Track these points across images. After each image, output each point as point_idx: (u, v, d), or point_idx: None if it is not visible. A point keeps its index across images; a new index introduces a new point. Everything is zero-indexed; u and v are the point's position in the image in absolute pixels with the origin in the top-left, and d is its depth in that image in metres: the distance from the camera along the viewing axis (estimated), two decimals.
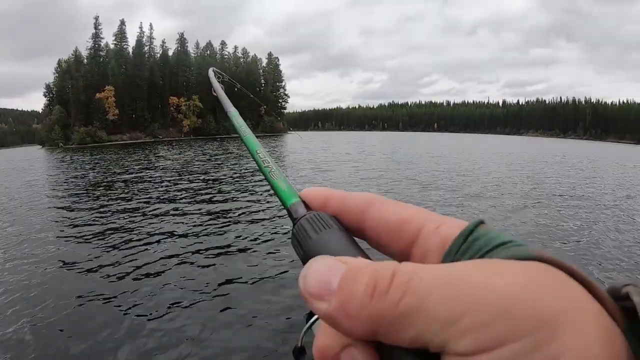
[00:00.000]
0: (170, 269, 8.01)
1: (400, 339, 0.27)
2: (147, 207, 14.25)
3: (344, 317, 0.28)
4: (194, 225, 11.42)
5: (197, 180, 20.97)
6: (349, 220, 0.39)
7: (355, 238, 0.39)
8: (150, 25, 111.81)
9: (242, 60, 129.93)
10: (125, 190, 18.30)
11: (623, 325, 0.25)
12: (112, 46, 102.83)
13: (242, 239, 10.02)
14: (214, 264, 8.24)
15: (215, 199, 15.80)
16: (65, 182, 22.02)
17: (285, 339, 5.42)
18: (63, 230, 11.36)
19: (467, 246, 0.33)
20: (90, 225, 11.76)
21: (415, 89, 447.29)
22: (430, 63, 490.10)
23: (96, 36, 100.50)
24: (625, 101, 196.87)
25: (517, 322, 0.24)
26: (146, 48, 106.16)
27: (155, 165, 30.47)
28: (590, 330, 0.24)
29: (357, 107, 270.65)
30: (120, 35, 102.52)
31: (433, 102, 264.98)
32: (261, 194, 16.19)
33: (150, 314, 6.08)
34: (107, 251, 9.11)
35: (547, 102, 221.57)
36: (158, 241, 9.87)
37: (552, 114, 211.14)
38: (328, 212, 0.41)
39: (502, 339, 0.24)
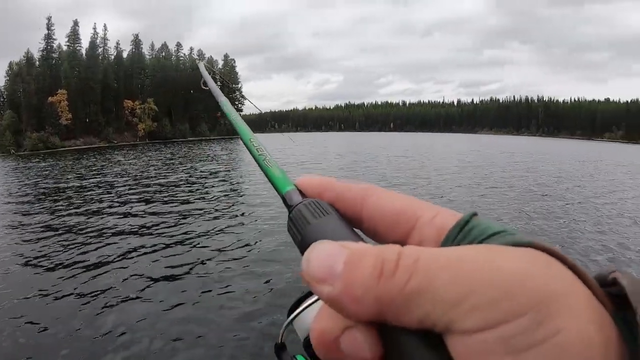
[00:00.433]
0: (127, 267, 8.33)
1: (406, 320, 0.27)
2: (101, 214, 14.18)
3: (350, 299, 0.28)
4: (151, 231, 11.41)
5: (154, 185, 20.98)
6: (346, 209, 0.40)
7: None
8: (105, 26, 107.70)
9: (198, 62, 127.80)
10: (78, 198, 17.99)
11: (611, 310, 0.27)
12: (64, 48, 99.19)
13: (199, 238, 10.29)
14: (171, 269, 8.35)
15: (170, 202, 15.85)
16: (18, 191, 21.23)
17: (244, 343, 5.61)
18: (15, 239, 11.23)
19: (463, 235, 0.34)
20: (43, 233, 11.61)
21: (371, 90, 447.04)
22: (386, 64, 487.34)
23: (48, 37, 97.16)
24: (576, 99, 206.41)
25: (518, 301, 0.25)
26: (100, 50, 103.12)
27: (110, 171, 29.93)
28: (583, 311, 0.25)
29: (313, 108, 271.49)
30: (74, 36, 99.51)
31: (389, 102, 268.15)
32: (218, 196, 16.63)
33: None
34: (60, 261, 9.11)
35: (501, 101, 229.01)
36: (113, 248, 9.89)
37: (506, 112, 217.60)
38: (324, 200, 0.41)
39: (505, 316, 0.25)
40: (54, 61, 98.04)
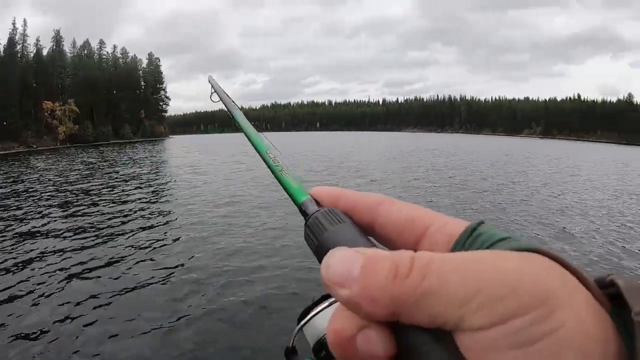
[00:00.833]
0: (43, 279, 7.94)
1: (419, 319, 0.29)
2: (19, 224, 13.04)
3: (367, 300, 0.30)
4: (70, 239, 10.98)
5: (74, 192, 19.87)
6: (360, 217, 0.42)
7: None
8: (24, 21, 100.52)
9: (121, 60, 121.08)
10: None
11: (609, 309, 0.29)
12: None
13: (125, 248, 10.03)
14: (89, 277, 8.13)
15: (91, 209, 15.24)
16: None
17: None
18: None
19: (471, 241, 0.36)
20: None
21: (297, 89, 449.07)
22: (312, 64, 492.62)
23: None
24: (497, 98, 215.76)
25: (523, 298, 0.27)
26: (19, 47, 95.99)
27: (29, 178, 26.70)
28: (583, 309, 0.28)
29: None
30: None
31: (315, 101, 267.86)
32: (140, 200, 16.35)
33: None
34: None
35: (425, 100, 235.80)
36: (30, 259, 9.32)
37: (430, 110, 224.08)
38: (339, 209, 0.43)
39: (511, 313, 0.27)
40: None
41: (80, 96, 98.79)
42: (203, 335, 5.92)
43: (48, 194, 19.32)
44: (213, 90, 0.87)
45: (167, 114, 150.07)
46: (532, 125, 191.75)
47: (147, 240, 10.51)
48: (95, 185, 21.81)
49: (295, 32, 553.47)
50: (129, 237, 10.99)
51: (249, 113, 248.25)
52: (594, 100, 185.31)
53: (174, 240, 10.48)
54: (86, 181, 23.74)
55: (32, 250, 9.91)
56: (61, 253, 9.62)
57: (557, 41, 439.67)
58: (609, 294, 0.30)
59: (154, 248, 9.87)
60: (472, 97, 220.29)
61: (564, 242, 10.56)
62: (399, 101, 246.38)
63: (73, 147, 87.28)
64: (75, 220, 13.18)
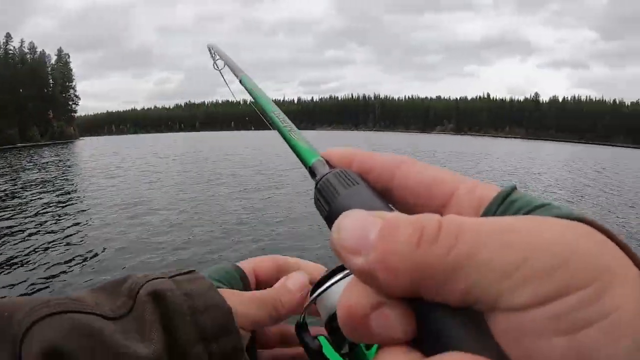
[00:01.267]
0: None
1: (447, 294, 0.24)
2: None
3: (384, 270, 0.25)
4: None
5: None
6: (376, 179, 0.37)
7: None
8: None
9: (29, 56, 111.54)
10: None
11: None
12: None
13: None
14: None
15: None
16: None
17: None
18: None
19: (505, 207, 0.31)
20: None
21: (212, 89, 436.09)
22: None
23: None
24: (410, 97, 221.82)
25: (577, 272, 0.22)
26: None
27: None
28: (638, 289, 0.23)
29: (152, 108, 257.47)
30: None
31: (230, 101, 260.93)
32: (46, 208, 15.09)
33: None
34: None
35: (339, 99, 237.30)
36: None
37: (344, 109, 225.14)
38: (353, 171, 0.38)
39: (561, 290, 0.22)
40: None
41: None
42: None
43: None
44: (217, 57, 0.84)
45: (77, 114, 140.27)
46: (444, 123, 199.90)
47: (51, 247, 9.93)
48: None
49: (212, 29, 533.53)
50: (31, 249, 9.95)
51: (163, 113, 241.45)
52: (502, 99, 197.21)
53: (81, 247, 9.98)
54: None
55: None
56: None
57: (469, 44, 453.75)
58: None
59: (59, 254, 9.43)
60: (386, 96, 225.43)
61: None
62: (314, 100, 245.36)
63: None
64: None
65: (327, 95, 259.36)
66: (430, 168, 0.36)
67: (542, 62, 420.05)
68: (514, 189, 0.32)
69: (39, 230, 11.66)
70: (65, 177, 24.49)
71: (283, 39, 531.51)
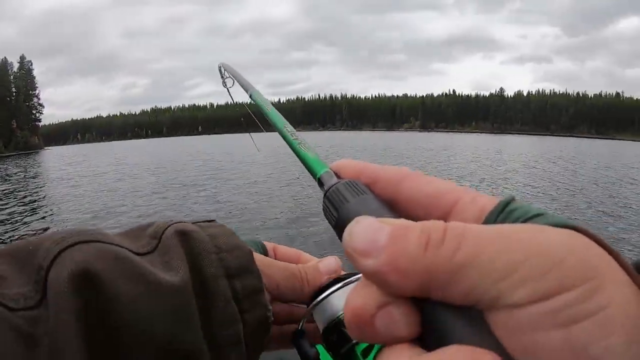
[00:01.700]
0: None
1: (451, 294, 0.26)
2: None
3: (394, 271, 0.27)
4: None
5: None
6: (382, 190, 0.39)
7: None
8: None
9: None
10: None
11: None
12: None
13: None
14: None
15: None
16: None
17: None
18: None
19: (504, 216, 0.33)
20: None
21: (178, 93, 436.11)
22: (194, 65, 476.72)
23: None
24: (376, 95, 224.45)
25: (570, 272, 0.24)
26: None
27: None
28: (627, 289, 0.25)
29: (118, 114, 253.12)
30: None
31: (196, 105, 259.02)
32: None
33: None
34: None
35: (306, 99, 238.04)
36: None
37: (311, 109, 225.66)
38: (361, 181, 0.40)
39: (557, 288, 0.24)
40: None
41: None
42: None
43: None
44: (227, 76, 0.87)
45: (41, 123, 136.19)
46: (411, 120, 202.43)
47: None
48: None
49: (177, 32, 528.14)
50: None
51: (129, 119, 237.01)
52: (468, 95, 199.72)
53: None
54: None
55: None
56: None
57: (434, 42, 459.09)
58: None
59: None
60: (353, 95, 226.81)
61: None
62: (281, 101, 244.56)
63: None
64: None
65: (294, 97, 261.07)
66: (434, 180, 0.38)
67: (506, 58, 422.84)
68: (512, 199, 0.34)
69: (2, 242, 11.35)
70: (29, 188, 23.79)
71: (249, 41, 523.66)
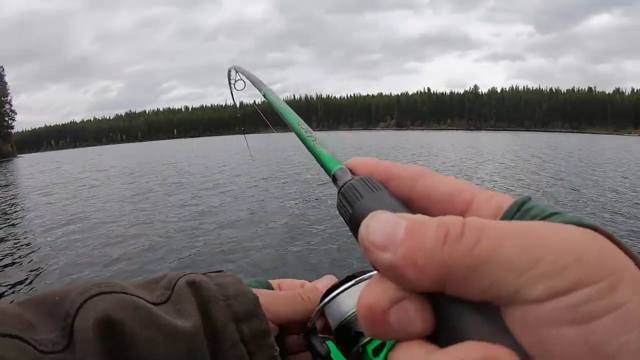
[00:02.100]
0: None
1: (470, 289, 0.26)
2: None
3: (411, 266, 0.27)
4: None
5: None
6: (397, 188, 0.38)
7: None
8: None
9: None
10: None
11: None
12: None
13: None
14: None
15: None
16: None
17: None
18: None
19: (521, 214, 0.33)
20: None
21: (154, 96, 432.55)
22: (169, 68, 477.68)
23: None
24: (352, 95, 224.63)
25: (590, 268, 0.24)
26: None
27: None
28: None
29: (92, 119, 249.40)
30: None
31: (172, 108, 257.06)
32: None
33: None
34: None
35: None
36: None
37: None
38: (376, 179, 0.40)
39: (576, 283, 0.24)
40: None
41: None
42: None
43: None
44: (238, 78, 0.87)
45: (14, 130, 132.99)
46: (387, 119, 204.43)
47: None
48: None
49: (151, 34, 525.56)
50: None
51: (103, 124, 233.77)
52: (443, 93, 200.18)
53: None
54: None
55: None
56: None
57: (409, 41, 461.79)
58: None
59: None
60: (329, 96, 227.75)
61: None
62: (256, 102, 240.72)
63: None
64: None
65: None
66: (449, 178, 0.38)
67: (480, 56, 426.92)
68: (529, 198, 0.34)
69: None
70: (1, 197, 22.81)
71: (224, 43, 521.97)
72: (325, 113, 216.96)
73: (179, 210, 14.21)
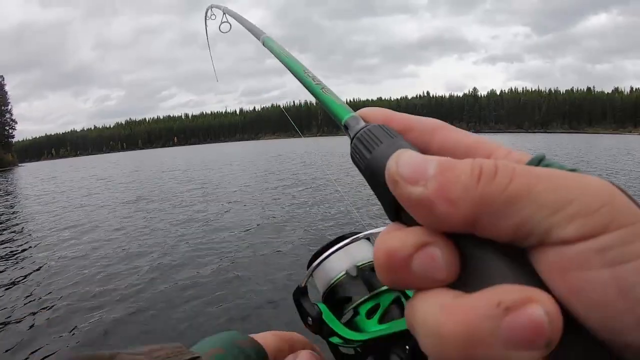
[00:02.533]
0: None
1: (501, 227, 0.25)
2: None
3: (444, 200, 0.25)
4: None
5: None
6: (415, 139, 0.36)
7: None
8: None
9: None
10: None
11: None
12: None
13: None
14: None
15: None
16: None
17: None
18: None
19: None
20: None
21: (153, 104, 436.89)
22: (168, 76, 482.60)
23: None
24: (351, 100, 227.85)
25: (618, 213, 0.24)
26: None
27: None
28: None
29: (93, 128, 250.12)
30: None
31: (171, 115, 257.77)
32: None
33: None
34: None
35: (282, 106, 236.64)
36: None
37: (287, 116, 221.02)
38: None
39: (606, 226, 0.23)
40: None
41: None
42: None
43: None
44: (224, 20, 0.81)
45: (15, 140, 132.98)
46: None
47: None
48: None
49: (150, 42, 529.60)
50: None
51: (104, 132, 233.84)
52: (442, 96, 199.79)
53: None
54: None
55: None
56: None
57: (407, 45, 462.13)
58: None
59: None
60: None
61: None
62: (257, 109, 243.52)
63: None
64: None
65: (269, 104, 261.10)
66: (467, 133, 0.37)
67: (479, 59, 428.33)
68: (544, 156, 0.33)
69: None
70: (3, 207, 22.12)
71: (222, 50, 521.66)
72: (325, 118, 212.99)
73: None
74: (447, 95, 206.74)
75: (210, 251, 9.26)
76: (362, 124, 0.37)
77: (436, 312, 0.25)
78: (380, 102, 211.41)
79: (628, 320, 0.23)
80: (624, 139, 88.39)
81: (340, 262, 0.59)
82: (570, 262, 0.24)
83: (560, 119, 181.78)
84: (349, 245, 0.55)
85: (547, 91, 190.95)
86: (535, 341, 0.22)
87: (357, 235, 0.56)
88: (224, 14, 0.85)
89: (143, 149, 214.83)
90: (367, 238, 0.78)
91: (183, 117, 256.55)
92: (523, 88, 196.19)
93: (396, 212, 0.29)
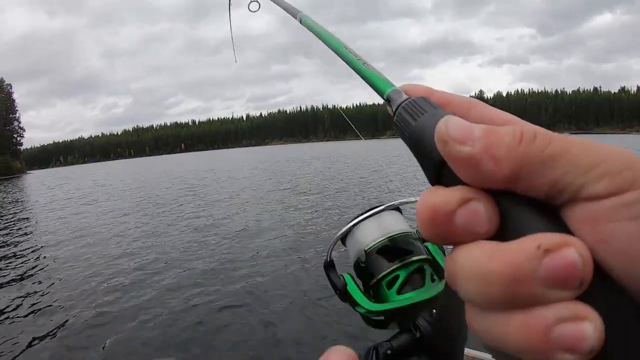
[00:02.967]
0: None
1: (539, 183, 0.28)
2: None
3: (490, 158, 0.28)
4: None
5: None
6: (453, 112, 0.36)
7: None
8: None
9: None
10: None
11: None
12: None
13: None
14: None
15: None
16: None
17: None
18: None
19: None
20: None
21: (161, 111, 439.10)
22: (175, 83, 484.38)
23: None
24: (358, 104, 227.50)
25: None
26: None
27: None
28: None
29: (100, 135, 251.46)
30: None
31: (179, 122, 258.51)
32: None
33: None
34: None
35: (288, 112, 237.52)
36: None
37: (294, 121, 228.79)
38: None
39: (630, 184, 0.26)
40: None
41: None
42: None
43: None
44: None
45: (23, 147, 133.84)
46: (394, 127, 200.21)
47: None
48: None
49: (157, 49, 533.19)
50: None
51: (111, 140, 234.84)
52: None
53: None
54: None
55: None
56: None
57: (412, 49, 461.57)
58: None
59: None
60: (334, 105, 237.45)
61: None
62: (263, 115, 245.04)
63: None
64: None
65: (275, 110, 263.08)
66: (499, 110, 0.38)
67: (484, 61, 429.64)
68: None
69: None
70: (12, 214, 22.60)
71: (228, 56, 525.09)
72: (332, 123, 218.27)
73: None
74: None
75: (237, 261, 9.05)
76: (405, 96, 0.38)
77: (482, 258, 0.27)
78: (387, 106, 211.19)
79: None
80: (631, 138, 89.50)
81: (370, 232, 0.61)
82: (599, 215, 0.26)
83: (567, 119, 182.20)
84: (379, 214, 0.57)
85: (553, 92, 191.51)
86: (570, 280, 0.25)
87: (388, 204, 0.57)
88: None
89: (150, 155, 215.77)
90: (397, 208, 0.80)
91: (190, 123, 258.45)
92: (529, 89, 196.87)
93: (438, 175, 0.31)
